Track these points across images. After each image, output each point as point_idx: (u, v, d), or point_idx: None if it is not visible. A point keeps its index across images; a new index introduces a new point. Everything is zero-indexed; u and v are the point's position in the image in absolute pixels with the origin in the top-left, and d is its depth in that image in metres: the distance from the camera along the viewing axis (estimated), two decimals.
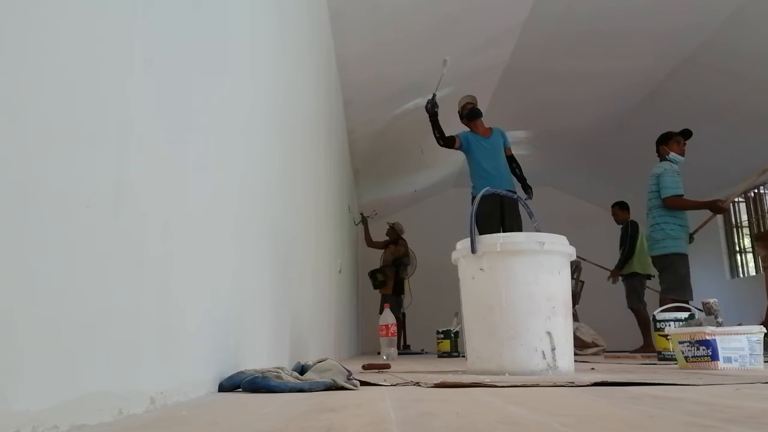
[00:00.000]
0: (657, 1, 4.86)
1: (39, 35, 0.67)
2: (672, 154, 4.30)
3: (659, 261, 4.25)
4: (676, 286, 4.11)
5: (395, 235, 7.83)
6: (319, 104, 3.39)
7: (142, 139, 0.93)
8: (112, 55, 0.84)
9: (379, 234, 8.23)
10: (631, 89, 6.37)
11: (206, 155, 1.27)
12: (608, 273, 6.19)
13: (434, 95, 4.45)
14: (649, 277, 5.82)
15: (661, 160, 4.38)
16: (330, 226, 4.09)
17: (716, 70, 5.57)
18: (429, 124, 4.50)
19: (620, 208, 6.32)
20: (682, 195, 4.18)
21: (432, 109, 4.45)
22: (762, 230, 7.59)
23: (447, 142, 4.57)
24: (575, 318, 5.48)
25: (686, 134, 4.40)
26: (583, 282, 6.36)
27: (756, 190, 7.86)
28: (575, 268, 6.15)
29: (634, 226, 6.11)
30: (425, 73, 5.33)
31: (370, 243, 7.92)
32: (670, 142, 4.37)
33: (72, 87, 0.73)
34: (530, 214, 2.49)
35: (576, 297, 6.00)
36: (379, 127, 6.29)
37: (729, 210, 4.55)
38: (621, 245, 6.06)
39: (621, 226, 6.20)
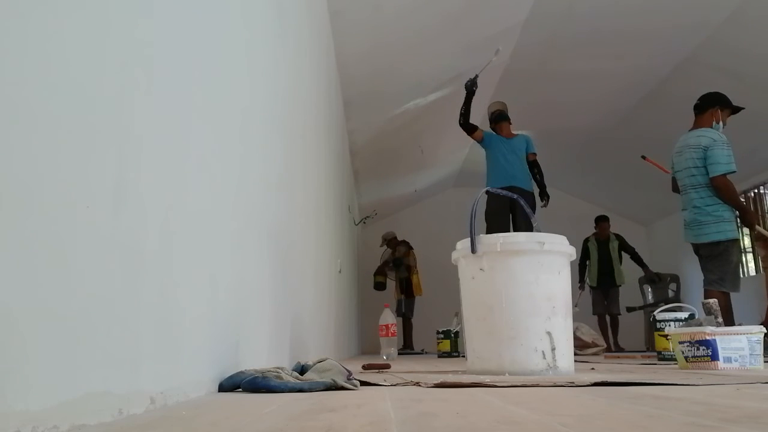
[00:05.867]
0: (657, 1, 4.86)
1: (42, 36, 0.67)
2: (719, 124, 3.56)
3: (708, 248, 3.51)
4: (729, 276, 3.46)
5: (395, 242, 7.92)
6: (319, 104, 3.39)
7: (142, 140, 0.93)
8: (113, 56, 0.84)
9: (379, 234, 8.26)
10: (631, 88, 6.37)
11: (206, 155, 1.27)
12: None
13: (477, 75, 4.61)
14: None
15: (695, 126, 3.62)
16: (330, 226, 4.08)
17: (716, 70, 5.57)
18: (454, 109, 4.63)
19: (606, 221, 6.82)
20: (734, 172, 3.45)
21: (471, 87, 4.61)
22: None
23: (467, 124, 4.73)
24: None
25: (737, 111, 3.63)
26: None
27: (756, 190, 7.85)
28: (670, 278, 6.56)
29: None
30: (425, 72, 5.34)
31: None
32: (726, 108, 3.58)
33: (72, 87, 0.73)
34: (530, 214, 2.50)
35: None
36: (379, 127, 6.29)
37: (756, 234, 3.85)
38: (620, 255, 6.70)
39: (610, 239, 6.65)
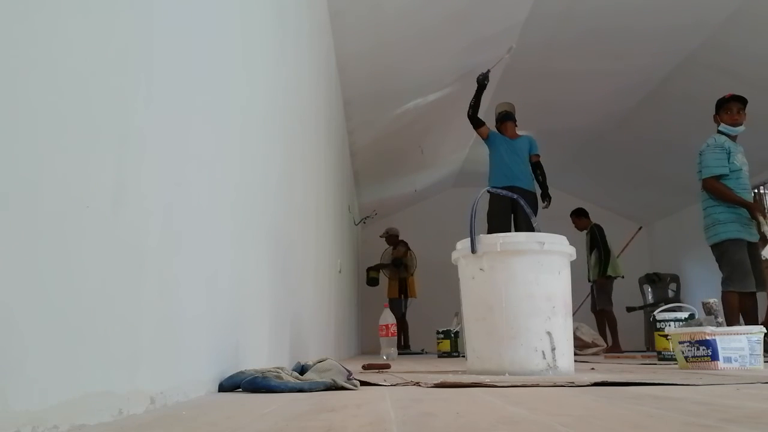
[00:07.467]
0: (657, 1, 4.86)
1: (44, 37, 0.67)
2: (723, 126, 3.68)
3: (714, 251, 3.68)
4: (734, 275, 3.53)
5: (395, 239, 7.93)
6: (319, 104, 3.39)
7: (141, 140, 0.93)
8: (113, 55, 0.84)
9: (379, 234, 8.27)
10: (631, 89, 6.36)
11: (206, 155, 1.27)
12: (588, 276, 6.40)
13: (489, 70, 4.74)
14: (620, 277, 6.14)
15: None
16: (330, 226, 4.08)
17: (716, 70, 5.56)
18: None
19: (577, 216, 6.60)
20: (726, 175, 3.56)
21: (483, 81, 4.72)
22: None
23: (475, 117, 4.82)
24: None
25: (740, 99, 3.70)
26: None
27: (756, 190, 7.85)
28: (670, 278, 6.37)
29: (600, 228, 6.36)
30: (425, 72, 5.34)
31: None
32: (720, 110, 3.71)
33: (73, 87, 0.73)
34: (530, 214, 2.50)
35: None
36: (379, 126, 6.29)
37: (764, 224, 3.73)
38: (591, 249, 6.29)
39: (585, 232, 6.39)
